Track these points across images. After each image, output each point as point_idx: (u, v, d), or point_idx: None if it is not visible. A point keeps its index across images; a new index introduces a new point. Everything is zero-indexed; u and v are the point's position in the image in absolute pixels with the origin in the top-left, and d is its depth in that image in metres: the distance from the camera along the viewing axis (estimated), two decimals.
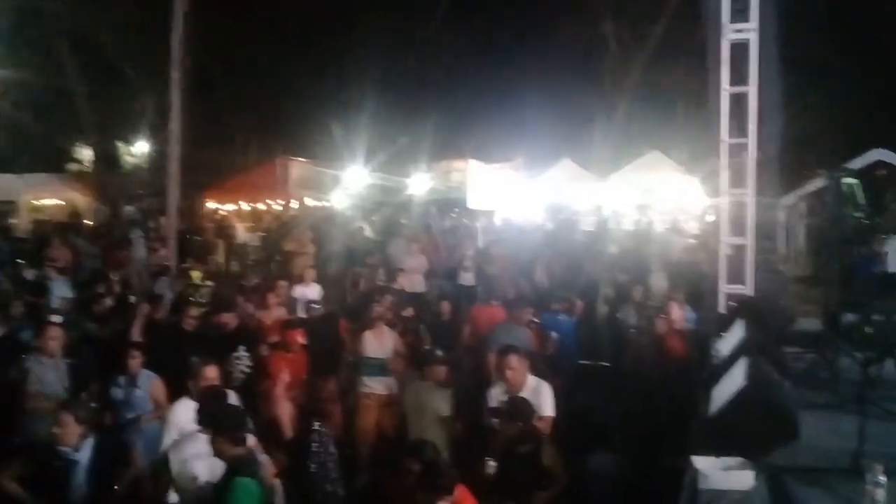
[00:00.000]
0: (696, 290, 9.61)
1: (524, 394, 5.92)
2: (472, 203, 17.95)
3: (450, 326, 9.55)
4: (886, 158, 11.77)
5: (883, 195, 7.69)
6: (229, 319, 7.80)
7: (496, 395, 6.17)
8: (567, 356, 8.82)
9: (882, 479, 3.75)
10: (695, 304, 9.16)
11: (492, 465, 5.33)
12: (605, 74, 21.73)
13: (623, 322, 9.44)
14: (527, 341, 8.03)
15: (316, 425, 5.49)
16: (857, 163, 10.87)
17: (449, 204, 19.22)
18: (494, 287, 10.53)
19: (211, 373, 6.36)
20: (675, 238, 13.69)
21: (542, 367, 7.85)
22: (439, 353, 6.80)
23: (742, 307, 6.52)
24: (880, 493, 3.75)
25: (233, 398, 6.23)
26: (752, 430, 4.26)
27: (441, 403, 6.42)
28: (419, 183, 18.57)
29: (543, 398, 5.98)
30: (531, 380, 6.20)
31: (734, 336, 6.02)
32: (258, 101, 26.39)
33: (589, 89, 22.12)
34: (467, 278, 12.17)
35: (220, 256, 14.40)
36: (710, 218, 11.12)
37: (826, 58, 14.95)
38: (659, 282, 11.47)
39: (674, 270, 11.79)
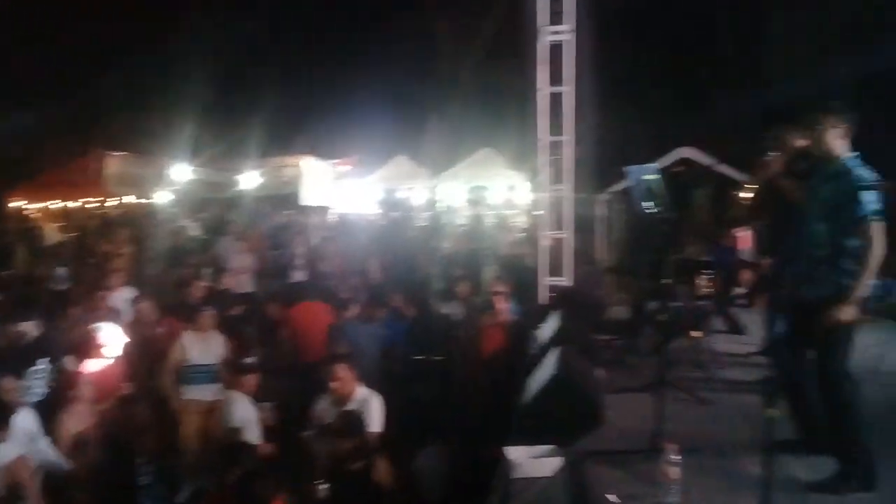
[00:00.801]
0: (522, 283, 9.98)
1: (352, 405, 5.71)
2: (306, 200, 17.64)
3: (279, 328, 9.28)
4: (692, 156, 12.65)
5: (685, 191, 8.30)
6: (28, 329, 7.15)
7: (322, 408, 5.94)
8: (399, 352, 8.84)
9: (676, 457, 4.02)
10: (520, 296, 9.47)
11: (323, 487, 5.03)
12: (438, 72, 22.06)
13: (450, 316, 9.59)
14: (377, 339, 7.97)
15: (139, 461, 5.13)
16: (666, 160, 11.65)
17: (281, 201, 18.77)
18: (327, 284, 10.35)
19: (7, 386, 5.82)
20: (504, 233, 14.15)
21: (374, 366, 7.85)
22: (250, 360, 6.49)
23: (558, 298, 6.81)
24: (675, 471, 4.01)
25: (27, 416, 5.74)
26: (561, 417, 4.45)
27: (248, 416, 6.07)
28: (250, 179, 17.95)
29: (372, 411, 5.75)
30: (360, 391, 5.94)
31: (550, 327, 6.29)
32: (73, 91, 24.42)
33: (423, 87, 22.36)
34: (298, 277, 11.90)
35: (22, 260, 13.22)
36: (538, 213, 11.57)
37: (639, 60, 15.90)
38: (490, 276, 11.82)
39: (502, 264, 12.21)
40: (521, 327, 8.02)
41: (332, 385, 5.83)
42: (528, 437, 4.47)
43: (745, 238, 9.85)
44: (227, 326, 8.23)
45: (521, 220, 16.15)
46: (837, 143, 4.14)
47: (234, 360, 6.64)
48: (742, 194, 5.28)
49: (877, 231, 3.88)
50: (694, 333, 6.43)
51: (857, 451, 4.03)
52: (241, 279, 11.12)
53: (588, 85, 9.63)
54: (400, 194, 18.73)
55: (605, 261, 10.97)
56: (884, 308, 7.34)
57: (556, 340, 5.61)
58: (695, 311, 6.76)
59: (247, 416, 6.10)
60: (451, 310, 9.92)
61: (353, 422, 5.16)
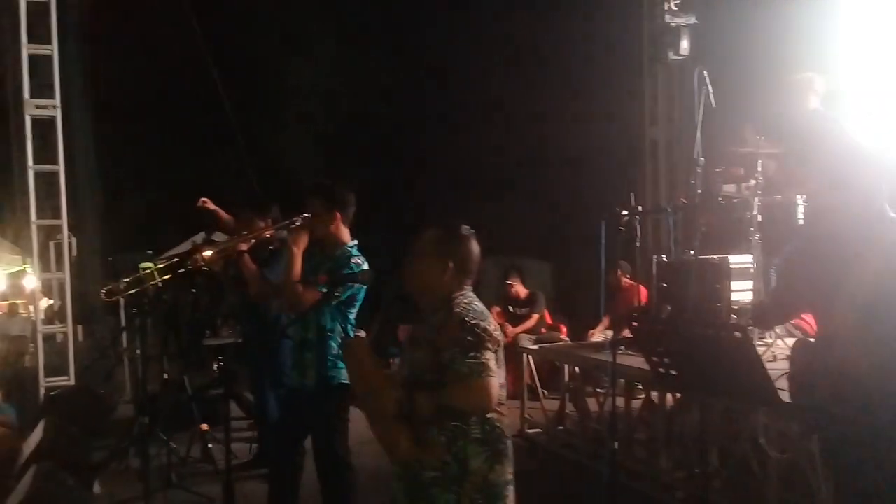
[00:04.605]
0: (20, 384, 8.71)
1: None
2: None
3: None
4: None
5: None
6: None
7: None
8: None
9: None
10: (21, 403, 8.23)
11: None
12: None
13: None
14: None
15: None
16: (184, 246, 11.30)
17: None
18: None
19: None
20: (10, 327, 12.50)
21: None
22: None
23: (45, 404, 5.97)
24: None
25: None
26: None
27: None
28: None
29: None
30: None
31: (35, 438, 5.45)
32: None
33: None
34: None
35: None
36: (49, 302, 10.30)
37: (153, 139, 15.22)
38: None
39: (3, 367, 10.62)
40: (11, 445, 6.85)
41: None
42: None
43: None
44: None
45: (31, 311, 14.29)
46: (341, 229, 4.09)
47: None
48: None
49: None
50: (203, 426, 6.14)
51: None
52: None
53: (88, 165, 9.02)
54: None
55: (121, 352, 10.11)
56: None
57: (34, 456, 4.83)
58: (205, 402, 6.52)
59: None
60: None
61: None
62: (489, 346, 2.47)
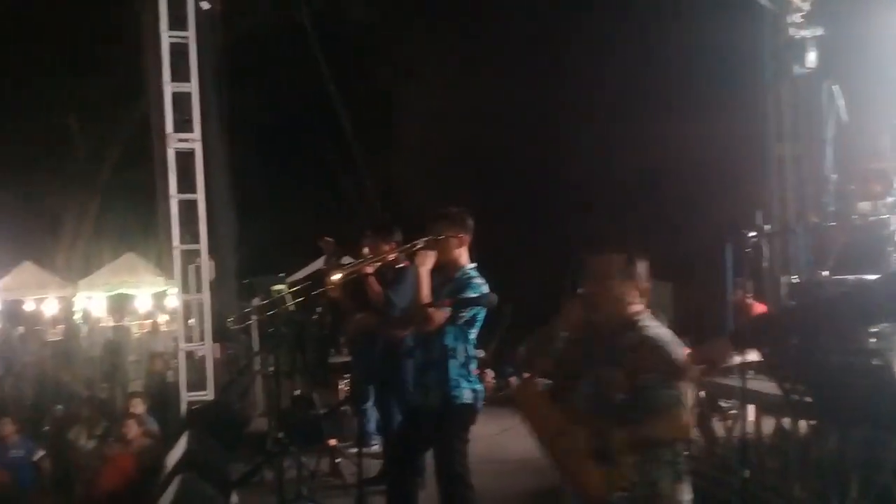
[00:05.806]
0: (163, 398, 9.29)
1: None
2: None
3: None
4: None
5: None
6: None
7: None
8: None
9: None
10: (163, 417, 8.81)
11: None
12: (73, 172, 20.21)
13: (75, 444, 8.53)
14: None
15: None
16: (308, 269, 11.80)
17: None
18: None
19: None
20: (153, 345, 13.35)
21: None
22: None
23: (189, 417, 6.38)
24: None
25: None
26: None
27: None
28: None
29: None
30: None
31: (178, 450, 5.84)
32: None
33: (55, 188, 20.26)
34: None
35: None
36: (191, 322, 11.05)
37: (275, 167, 16.05)
38: (131, 394, 10.84)
39: (146, 380, 11.34)
40: (156, 455, 7.34)
41: None
42: None
43: None
44: None
45: (174, 330, 15.29)
46: (464, 252, 4.19)
47: None
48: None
49: None
50: (332, 441, 6.38)
51: None
52: None
53: (224, 193, 9.58)
54: (27, 306, 16.78)
55: (255, 370, 10.66)
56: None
57: (179, 467, 5.18)
58: (333, 418, 6.76)
59: None
60: (73, 435, 8.85)
61: None
62: (684, 377, 2.55)
